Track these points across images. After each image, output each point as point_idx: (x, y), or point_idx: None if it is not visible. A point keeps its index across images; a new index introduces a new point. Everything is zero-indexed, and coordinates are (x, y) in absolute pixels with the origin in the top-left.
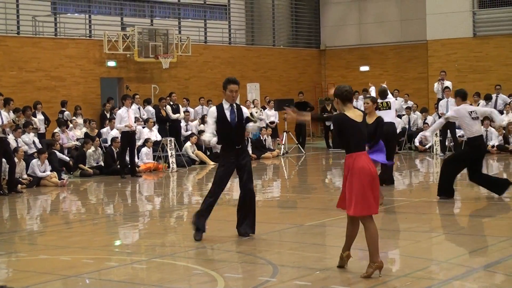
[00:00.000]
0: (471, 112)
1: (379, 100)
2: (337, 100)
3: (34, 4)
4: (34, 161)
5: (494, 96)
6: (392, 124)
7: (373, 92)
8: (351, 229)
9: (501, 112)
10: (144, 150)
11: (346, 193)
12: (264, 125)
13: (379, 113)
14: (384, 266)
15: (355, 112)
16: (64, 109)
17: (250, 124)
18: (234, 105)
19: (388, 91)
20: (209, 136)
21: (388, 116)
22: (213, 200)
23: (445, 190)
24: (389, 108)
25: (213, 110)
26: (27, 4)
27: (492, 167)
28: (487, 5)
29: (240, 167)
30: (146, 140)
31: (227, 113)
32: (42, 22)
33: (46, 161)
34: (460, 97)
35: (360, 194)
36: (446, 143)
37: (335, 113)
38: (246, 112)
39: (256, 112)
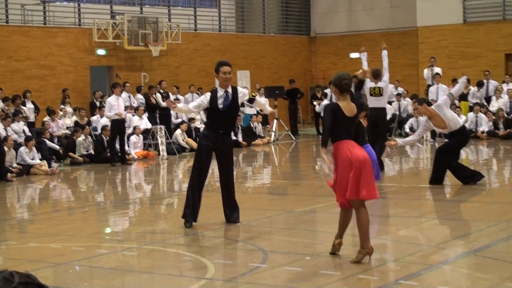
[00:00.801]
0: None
1: (372, 85)
2: (335, 89)
3: None
4: (22, 149)
5: (485, 82)
6: (383, 109)
7: (364, 61)
8: (343, 217)
9: (490, 98)
10: (133, 138)
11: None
12: (255, 112)
13: (370, 98)
14: (375, 251)
15: (349, 105)
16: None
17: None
18: (230, 90)
19: (385, 72)
20: (184, 105)
21: (379, 102)
22: (192, 183)
23: (438, 180)
24: (381, 95)
25: (207, 95)
26: None
27: (482, 152)
28: None
29: (219, 154)
30: (134, 128)
31: (220, 101)
32: (31, 11)
33: (34, 149)
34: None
35: (340, 181)
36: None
37: (327, 103)
38: (245, 94)
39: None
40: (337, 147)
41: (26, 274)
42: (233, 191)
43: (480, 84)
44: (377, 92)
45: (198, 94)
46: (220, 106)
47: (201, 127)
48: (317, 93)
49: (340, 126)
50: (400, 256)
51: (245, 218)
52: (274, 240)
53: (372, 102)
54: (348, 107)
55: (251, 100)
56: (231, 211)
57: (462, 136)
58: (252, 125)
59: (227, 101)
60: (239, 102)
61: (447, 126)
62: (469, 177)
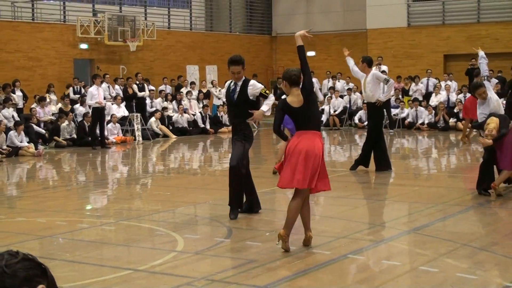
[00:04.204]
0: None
1: None
2: (285, 83)
3: None
4: (12, 132)
5: (425, 79)
6: None
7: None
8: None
9: (431, 94)
10: (110, 126)
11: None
12: (222, 103)
13: None
14: (327, 228)
15: (296, 97)
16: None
17: (264, 107)
18: (239, 83)
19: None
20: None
21: None
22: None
23: (382, 164)
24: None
25: (226, 84)
26: None
27: (422, 142)
28: None
29: (232, 144)
30: (111, 116)
31: (230, 90)
32: (21, 8)
33: (23, 132)
34: (367, 63)
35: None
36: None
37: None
38: (257, 88)
39: (217, 91)
40: (296, 136)
41: (28, 254)
42: (238, 174)
43: (411, 78)
44: None
45: (171, 86)
46: (230, 95)
47: (173, 115)
48: (278, 85)
49: (295, 119)
50: (349, 233)
51: (212, 197)
52: (238, 218)
53: None
54: (295, 99)
55: (264, 96)
56: (247, 199)
57: (378, 113)
58: (219, 114)
59: (234, 93)
60: (249, 93)
61: (369, 91)
62: (379, 163)
